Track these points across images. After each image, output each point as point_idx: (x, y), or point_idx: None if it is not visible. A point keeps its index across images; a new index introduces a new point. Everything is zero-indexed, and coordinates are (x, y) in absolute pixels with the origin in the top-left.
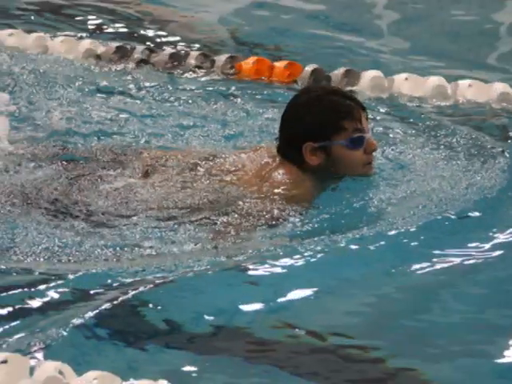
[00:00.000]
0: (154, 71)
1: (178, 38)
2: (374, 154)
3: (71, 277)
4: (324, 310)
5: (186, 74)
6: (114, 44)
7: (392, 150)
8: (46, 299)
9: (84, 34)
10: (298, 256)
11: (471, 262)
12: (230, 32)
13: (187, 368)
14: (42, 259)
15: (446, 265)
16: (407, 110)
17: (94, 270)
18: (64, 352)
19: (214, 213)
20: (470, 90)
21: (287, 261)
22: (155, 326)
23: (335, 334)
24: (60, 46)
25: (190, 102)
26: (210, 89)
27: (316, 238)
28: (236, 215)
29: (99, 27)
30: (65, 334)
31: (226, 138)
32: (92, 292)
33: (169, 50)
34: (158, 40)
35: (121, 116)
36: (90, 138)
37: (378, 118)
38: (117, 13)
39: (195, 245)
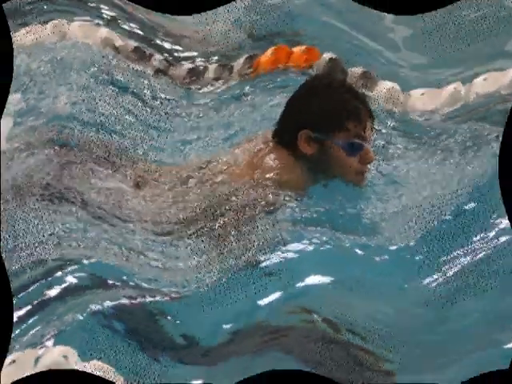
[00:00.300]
0: (171, 84)
1: (195, 54)
2: (368, 165)
3: (86, 262)
4: (342, 304)
5: (203, 89)
6: (132, 43)
7: (387, 165)
8: (63, 285)
9: (101, 22)
10: (305, 241)
11: (480, 255)
12: (246, 31)
13: (194, 381)
14: (51, 246)
15: (456, 268)
16: (414, 125)
17: (107, 261)
18: (76, 336)
19: (209, 219)
20: (483, 84)
21: (297, 245)
22: (172, 339)
23: (351, 331)
24: (78, 30)
25: (201, 115)
26: (225, 96)
27: (318, 228)
28: (231, 212)
29: (114, 19)
30: (81, 318)
31: (224, 140)
32: (110, 282)
33: (187, 65)
34: (176, 54)
35: (126, 117)
36: (89, 127)
37: (384, 131)
38: (128, 12)
39: (200, 257)
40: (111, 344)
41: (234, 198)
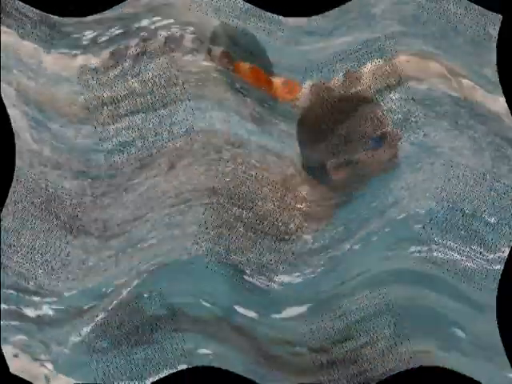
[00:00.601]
0: (152, 58)
1: (171, 21)
2: (399, 143)
3: (66, 295)
4: (317, 325)
5: (186, 57)
6: (108, 50)
7: (416, 134)
8: (39, 312)
9: (78, 52)
10: (297, 274)
11: (468, 264)
12: (226, 30)
13: (202, 351)
14: (40, 270)
15: (443, 255)
16: (420, 93)
17: (89, 285)
18: (73, 370)
19: (231, 201)
20: (475, 93)
21: (284, 278)
22: (156, 314)
23: (338, 341)
24: (54, 62)
25: (200, 84)
26: (215, 75)
27: (322, 253)
28: (251, 214)
29: (94, 40)
30: (67, 351)
31: (248, 132)
32: (86, 307)
33: (163, 33)
34: (152, 27)
35: (136, 118)
36: (111, 153)
37: (394, 106)
38: (112, 18)
39: (199, 227)
40: (109, 363)
41: (259, 203)
